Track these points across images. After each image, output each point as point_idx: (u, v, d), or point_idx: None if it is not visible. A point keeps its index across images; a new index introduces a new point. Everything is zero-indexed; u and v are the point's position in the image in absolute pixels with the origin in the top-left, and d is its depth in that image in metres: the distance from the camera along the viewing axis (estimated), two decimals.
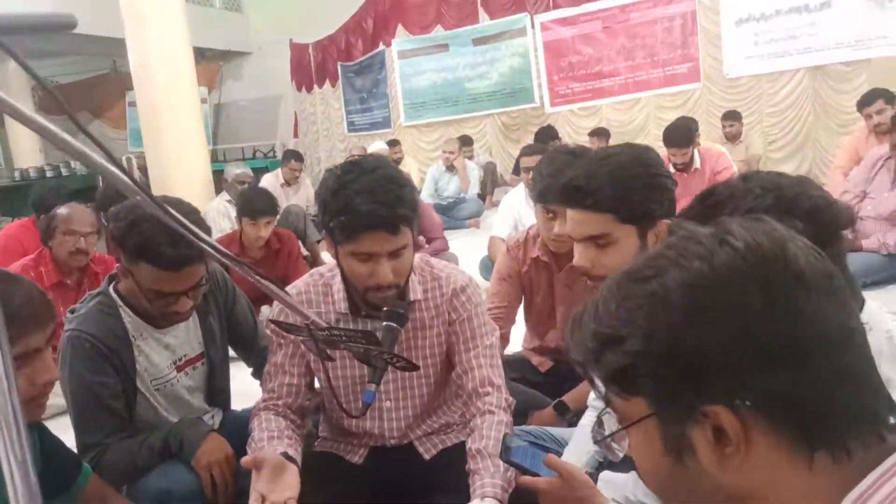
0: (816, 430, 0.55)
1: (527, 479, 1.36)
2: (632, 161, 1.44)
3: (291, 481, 1.36)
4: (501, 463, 1.43)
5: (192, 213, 1.62)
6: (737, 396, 0.55)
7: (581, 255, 1.46)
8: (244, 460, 1.36)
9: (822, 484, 0.55)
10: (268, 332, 1.68)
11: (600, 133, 6.83)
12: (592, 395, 1.73)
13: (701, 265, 0.57)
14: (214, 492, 1.65)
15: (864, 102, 4.60)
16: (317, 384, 1.74)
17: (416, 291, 1.59)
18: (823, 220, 0.95)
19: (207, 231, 1.53)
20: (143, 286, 1.61)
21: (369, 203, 1.36)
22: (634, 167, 1.42)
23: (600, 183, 1.40)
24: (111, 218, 1.67)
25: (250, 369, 2.09)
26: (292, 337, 1.61)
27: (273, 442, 1.50)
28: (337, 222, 1.40)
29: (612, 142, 7.73)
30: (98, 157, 0.76)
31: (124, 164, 0.83)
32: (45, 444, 1.33)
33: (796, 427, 0.55)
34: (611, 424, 0.66)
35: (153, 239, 1.53)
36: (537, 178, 2.09)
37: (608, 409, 0.66)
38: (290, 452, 1.46)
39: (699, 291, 0.56)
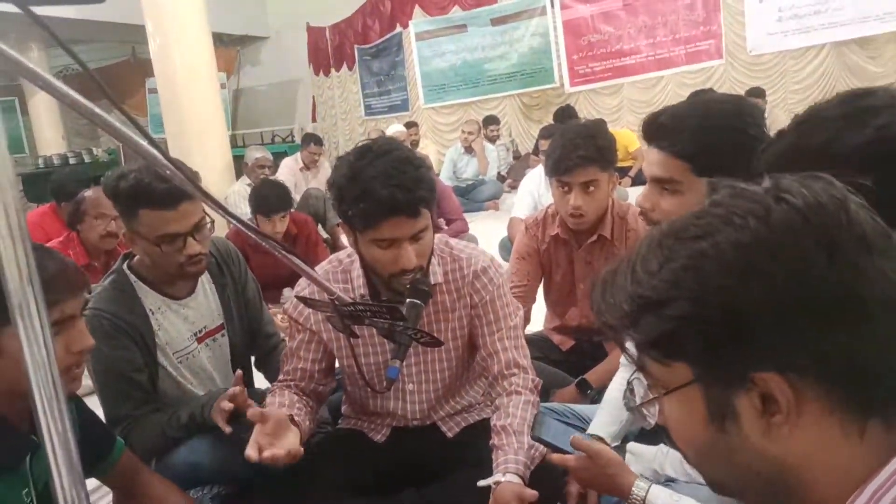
0: (872, 397, 0.52)
1: (557, 456, 1.37)
2: (727, 113, 1.29)
3: (292, 440, 1.36)
4: (526, 440, 1.43)
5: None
6: (791, 362, 0.52)
7: (645, 195, 1.37)
8: (249, 412, 1.37)
9: (872, 452, 0.52)
10: (280, 319, 1.68)
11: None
12: (624, 358, 1.72)
13: (757, 224, 0.53)
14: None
15: None
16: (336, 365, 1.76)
17: (436, 275, 1.57)
18: (860, 153, 0.80)
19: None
20: (149, 237, 1.63)
21: (387, 187, 1.34)
22: (728, 119, 1.28)
23: (684, 127, 1.29)
24: (103, 182, 1.70)
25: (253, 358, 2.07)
26: (310, 325, 1.62)
27: (283, 409, 1.52)
28: (356, 210, 1.38)
29: (631, 122, 7.66)
30: (125, 129, 0.76)
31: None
32: (81, 418, 1.36)
33: (851, 393, 0.52)
34: (641, 390, 0.64)
35: (142, 181, 1.57)
36: (550, 153, 2.06)
37: (638, 375, 0.63)
38: (297, 418, 1.48)
39: (756, 251, 0.52)
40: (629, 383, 0.66)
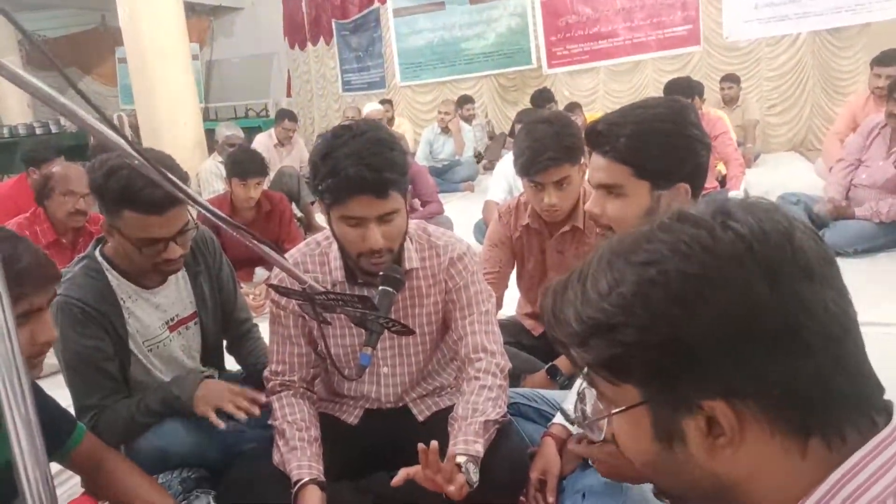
0: (813, 419, 0.54)
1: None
2: (661, 116, 1.35)
3: None
4: (468, 420, 1.47)
5: (176, 169, 1.59)
6: (735, 389, 0.54)
7: (593, 201, 1.43)
8: None
9: (814, 470, 0.54)
10: (252, 298, 1.68)
11: (572, 108, 6.70)
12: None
13: (703, 253, 0.54)
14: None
15: (880, 61, 4.50)
16: None
17: (412, 260, 1.58)
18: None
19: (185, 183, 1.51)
20: (130, 237, 1.59)
21: (356, 166, 1.36)
22: (662, 122, 1.34)
23: (621, 133, 1.34)
24: (88, 172, 1.65)
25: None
26: (291, 307, 1.62)
27: (306, 451, 1.53)
28: (325, 186, 1.40)
29: (607, 106, 7.68)
30: (88, 116, 0.74)
31: (115, 122, 0.82)
32: (38, 403, 1.34)
33: (793, 417, 0.54)
34: (591, 399, 0.65)
35: (133, 183, 1.52)
36: (517, 153, 2.04)
37: (587, 387, 0.64)
38: (317, 469, 1.52)
39: (703, 283, 0.53)
40: (580, 393, 0.67)
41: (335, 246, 1.58)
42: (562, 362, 2.09)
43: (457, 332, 1.63)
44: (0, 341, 0.67)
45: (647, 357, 0.55)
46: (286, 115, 6.50)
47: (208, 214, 0.94)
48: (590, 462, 1.51)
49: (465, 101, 7.81)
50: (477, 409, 1.50)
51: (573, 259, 2.12)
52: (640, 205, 1.36)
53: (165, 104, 6.79)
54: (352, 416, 1.73)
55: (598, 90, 8.13)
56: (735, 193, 4.24)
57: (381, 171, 1.37)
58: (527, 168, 2.00)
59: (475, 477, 1.40)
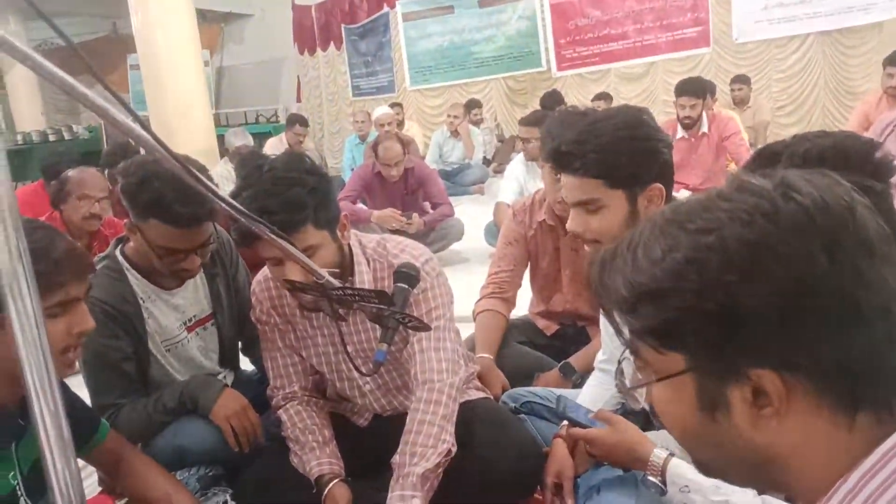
0: (864, 393, 0.53)
1: (575, 430, 1.46)
2: (619, 125, 1.41)
3: None
4: (413, 472, 1.41)
5: (203, 172, 1.62)
6: (786, 359, 0.53)
7: (573, 220, 1.47)
8: None
9: (860, 443, 0.54)
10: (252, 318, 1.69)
11: (604, 97, 6.76)
12: (600, 356, 1.75)
13: (765, 222, 0.53)
14: (238, 443, 1.68)
15: (893, 60, 4.48)
16: None
17: (363, 283, 1.56)
18: (874, 160, 0.95)
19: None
20: (152, 243, 1.62)
21: (252, 211, 1.33)
22: (621, 131, 1.39)
23: (587, 148, 1.39)
24: (121, 174, 1.67)
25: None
26: (272, 321, 1.65)
27: (325, 450, 1.56)
28: (234, 229, 1.43)
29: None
30: (119, 114, 0.76)
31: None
32: (64, 399, 1.36)
33: (843, 390, 0.53)
34: (630, 370, 0.64)
35: (165, 196, 1.55)
36: (547, 138, 2.06)
37: (628, 356, 0.63)
38: (338, 466, 1.55)
39: (762, 250, 0.52)
40: (619, 363, 0.66)
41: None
42: (575, 360, 2.08)
43: (409, 349, 1.58)
44: (28, 332, 0.67)
45: (699, 324, 0.54)
46: (297, 120, 6.54)
47: (231, 211, 0.95)
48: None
49: (472, 105, 7.84)
50: (416, 452, 1.44)
51: (587, 257, 2.12)
52: (621, 213, 1.42)
53: (177, 110, 6.85)
54: (361, 419, 1.75)
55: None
56: None
57: (275, 214, 1.33)
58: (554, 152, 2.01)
59: None
